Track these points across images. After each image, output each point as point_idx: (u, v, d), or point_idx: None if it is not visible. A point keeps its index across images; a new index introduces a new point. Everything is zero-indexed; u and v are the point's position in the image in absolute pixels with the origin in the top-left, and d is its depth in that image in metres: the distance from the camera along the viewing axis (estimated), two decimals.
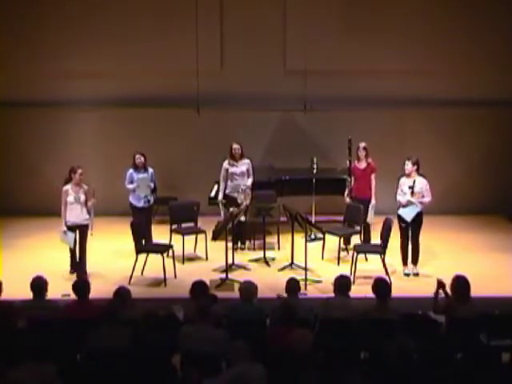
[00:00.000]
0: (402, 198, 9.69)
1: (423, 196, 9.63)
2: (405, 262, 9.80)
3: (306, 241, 9.68)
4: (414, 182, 9.62)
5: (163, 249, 9.83)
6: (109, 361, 5.99)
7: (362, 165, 10.64)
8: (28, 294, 7.19)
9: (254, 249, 10.90)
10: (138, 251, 9.64)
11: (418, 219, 9.70)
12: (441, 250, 10.94)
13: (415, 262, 9.82)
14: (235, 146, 10.70)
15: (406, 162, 9.69)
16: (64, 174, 12.90)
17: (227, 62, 12.85)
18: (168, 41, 12.54)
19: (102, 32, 12.60)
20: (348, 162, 10.79)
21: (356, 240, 10.47)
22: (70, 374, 5.81)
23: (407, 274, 9.76)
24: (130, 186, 10.44)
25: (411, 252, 9.79)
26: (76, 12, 12.59)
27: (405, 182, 9.72)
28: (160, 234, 10.33)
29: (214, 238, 10.09)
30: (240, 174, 10.70)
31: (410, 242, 9.78)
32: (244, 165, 10.75)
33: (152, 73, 12.60)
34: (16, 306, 7.06)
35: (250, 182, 10.74)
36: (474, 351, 6.19)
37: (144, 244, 9.93)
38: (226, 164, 10.76)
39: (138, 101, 12.69)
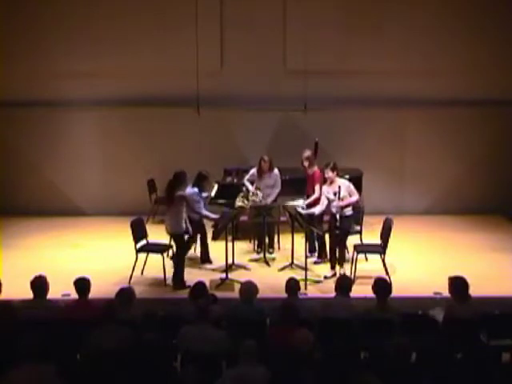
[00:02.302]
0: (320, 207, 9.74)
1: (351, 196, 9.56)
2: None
3: (305, 241, 9.69)
4: (340, 187, 9.47)
5: (163, 249, 9.84)
6: (109, 361, 6.00)
7: (309, 172, 10.44)
8: (28, 294, 7.20)
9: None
10: (138, 251, 9.65)
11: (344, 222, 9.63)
12: (441, 249, 10.95)
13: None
14: (263, 162, 10.53)
15: (326, 171, 9.58)
16: (63, 174, 13.04)
17: (227, 62, 12.87)
18: (168, 41, 12.57)
19: (101, 32, 12.62)
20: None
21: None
22: (70, 373, 5.82)
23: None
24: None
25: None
26: (75, 12, 12.62)
27: (329, 190, 9.61)
28: (160, 233, 10.31)
29: (214, 238, 10.09)
30: (266, 186, 10.58)
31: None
32: (272, 178, 10.59)
33: (152, 72, 12.62)
34: (16, 306, 7.09)
35: (275, 192, 10.59)
36: (474, 351, 6.20)
37: (146, 244, 9.92)
38: (254, 170, 10.66)
39: (138, 101, 12.70)
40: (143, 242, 9.84)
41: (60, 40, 12.66)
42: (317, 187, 10.19)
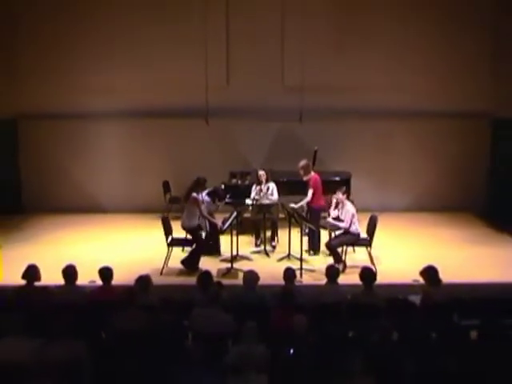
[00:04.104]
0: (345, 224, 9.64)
1: (342, 221, 9.57)
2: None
3: (301, 235, 9.73)
4: (342, 212, 9.56)
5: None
6: (129, 339, 6.05)
7: (305, 178, 10.38)
8: (60, 280, 7.27)
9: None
10: (169, 244, 9.61)
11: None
12: (419, 242, 10.99)
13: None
14: (260, 172, 10.57)
15: (337, 193, 9.62)
16: (90, 177, 13.09)
17: (233, 79, 12.90)
18: (181, 61, 12.60)
19: (126, 55, 12.66)
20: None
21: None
22: (96, 349, 5.89)
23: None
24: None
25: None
26: (101, 38, 12.64)
27: (337, 212, 9.69)
28: (174, 229, 10.32)
29: (221, 233, 10.13)
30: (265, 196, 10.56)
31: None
32: (269, 189, 10.56)
33: (167, 88, 12.65)
34: (51, 291, 7.17)
35: (274, 198, 10.56)
36: (447, 330, 6.25)
37: (176, 239, 9.80)
38: (254, 188, 10.66)
39: (155, 112, 12.76)
40: (169, 238, 9.71)
41: (90, 61, 12.68)
42: (309, 191, 10.16)
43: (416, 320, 6.44)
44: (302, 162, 10.32)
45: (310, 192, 10.16)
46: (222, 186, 11.33)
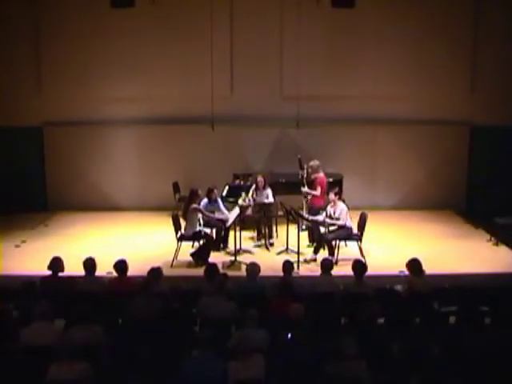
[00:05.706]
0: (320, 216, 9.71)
1: (338, 219, 9.52)
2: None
3: (298, 230, 9.75)
4: (335, 211, 9.52)
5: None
6: (142, 324, 6.09)
7: (312, 177, 10.50)
8: (81, 271, 7.32)
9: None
10: (179, 239, 9.64)
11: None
12: (405, 237, 11.00)
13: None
14: (259, 178, 10.54)
15: (330, 194, 9.61)
16: (106, 178, 13.13)
17: (236, 89, 12.89)
18: (189, 73, 12.58)
19: (139, 69, 12.59)
20: (300, 175, 10.65)
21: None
22: (113, 333, 5.94)
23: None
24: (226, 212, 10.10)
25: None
26: (118, 55, 12.57)
27: (330, 210, 9.62)
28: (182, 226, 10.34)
29: (226, 227, 10.16)
30: (262, 199, 10.52)
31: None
32: (264, 194, 10.54)
33: (176, 97, 12.67)
34: (74, 281, 7.22)
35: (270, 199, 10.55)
36: (428, 316, 6.30)
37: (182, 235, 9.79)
38: (252, 190, 10.66)
39: (165, 119, 12.77)
40: (179, 233, 9.72)
41: (108, 75, 12.59)
42: (318, 189, 10.26)
43: (401, 307, 6.50)
44: (312, 162, 10.47)
45: (318, 190, 10.25)
46: (227, 187, 11.36)
